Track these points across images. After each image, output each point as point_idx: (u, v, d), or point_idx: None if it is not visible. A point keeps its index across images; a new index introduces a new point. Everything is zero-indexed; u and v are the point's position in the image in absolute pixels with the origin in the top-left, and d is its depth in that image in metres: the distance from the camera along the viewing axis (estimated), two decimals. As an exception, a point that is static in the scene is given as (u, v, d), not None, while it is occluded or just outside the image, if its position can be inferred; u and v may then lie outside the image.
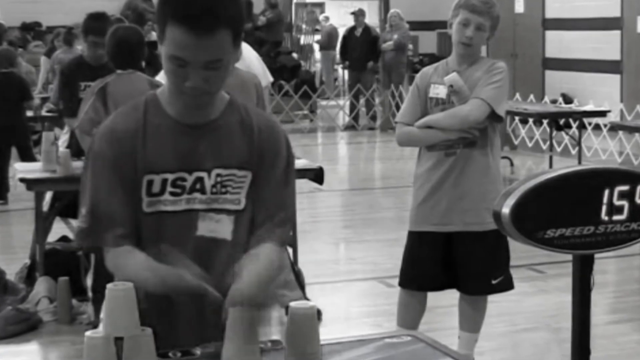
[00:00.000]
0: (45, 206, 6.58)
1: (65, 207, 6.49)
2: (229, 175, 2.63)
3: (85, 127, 5.85)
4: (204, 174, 2.62)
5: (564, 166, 3.45)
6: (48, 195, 6.66)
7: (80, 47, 8.76)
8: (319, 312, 5.76)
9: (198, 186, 2.61)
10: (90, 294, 6.01)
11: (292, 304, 2.31)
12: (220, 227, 2.63)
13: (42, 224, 6.40)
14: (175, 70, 2.54)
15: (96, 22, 6.69)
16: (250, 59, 5.90)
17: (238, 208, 2.65)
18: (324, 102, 18.35)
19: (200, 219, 2.62)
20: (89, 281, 6.08)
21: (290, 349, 2.33)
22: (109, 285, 2.28)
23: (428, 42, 19.74)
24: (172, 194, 2.61)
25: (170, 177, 2.61)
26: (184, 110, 2.62)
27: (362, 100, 16.95)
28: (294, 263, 6.32)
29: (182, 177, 2.61)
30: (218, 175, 2.62)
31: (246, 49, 5.83)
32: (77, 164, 6.12)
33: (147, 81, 5.90)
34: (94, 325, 5.66)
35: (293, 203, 2.76)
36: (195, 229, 2.62)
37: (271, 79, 6.34)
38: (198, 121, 2.63)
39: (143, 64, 6.90)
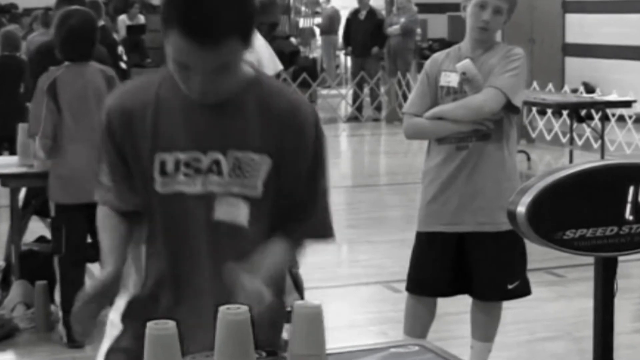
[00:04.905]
0: (19, 203, 6.55)
1: (43, 204, 6.47)
2: (246, 159, 2.64)
3: (48, 133, 5.76)
4: (219, 155, 2.63)
5: (585, 161, 3.45)
6: (22, 191, 6.62)
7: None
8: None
9: (215, 168, 2.63)
10: (60, 313, 5.91)
11: (297, 303, 2.33)
12: (238, 212, 2.65)
13: (18, 223, 6.39)
14: (179, 72, 2.56)
15: (67, 4, 6.63)
16: (259, 48, 5.89)
17: (255, 194, 2.65)
18: (324, 91, 18.36)
19: (217, 202, 2.64)
20: (57, 296, 6.00)
21: (291, 349, 2.35)
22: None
23: (438, 26, 19.75)
24: (186, 174, 2.64)
25: (183, 156, 2.64)
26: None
27: (366, 89, 16.97)
28: (293, 265, 6.31)
29: (197, 157, 2.63)
30: (235, 157, 2.63)
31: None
32: (56, 159, 6.09)
33: (101, 72, 5.84)
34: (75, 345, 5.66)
35: (322, 198, 2.75)
36: (212, 212, 2.64)
37: (280, 67, 6.32)
38: (213, 99, 2.63)
39: (120, 49, 6.84)
